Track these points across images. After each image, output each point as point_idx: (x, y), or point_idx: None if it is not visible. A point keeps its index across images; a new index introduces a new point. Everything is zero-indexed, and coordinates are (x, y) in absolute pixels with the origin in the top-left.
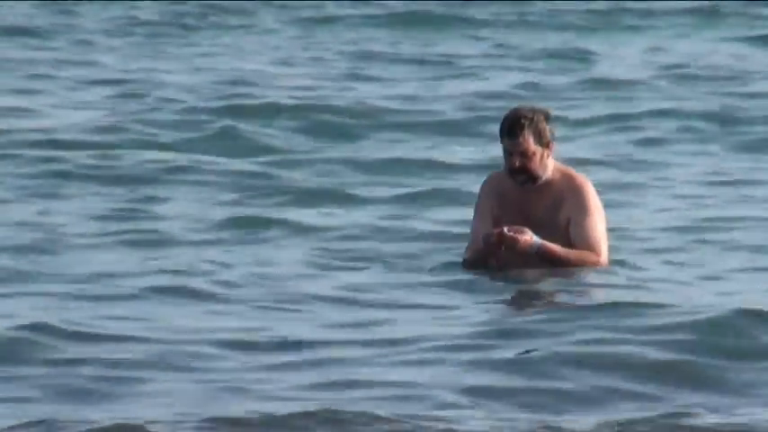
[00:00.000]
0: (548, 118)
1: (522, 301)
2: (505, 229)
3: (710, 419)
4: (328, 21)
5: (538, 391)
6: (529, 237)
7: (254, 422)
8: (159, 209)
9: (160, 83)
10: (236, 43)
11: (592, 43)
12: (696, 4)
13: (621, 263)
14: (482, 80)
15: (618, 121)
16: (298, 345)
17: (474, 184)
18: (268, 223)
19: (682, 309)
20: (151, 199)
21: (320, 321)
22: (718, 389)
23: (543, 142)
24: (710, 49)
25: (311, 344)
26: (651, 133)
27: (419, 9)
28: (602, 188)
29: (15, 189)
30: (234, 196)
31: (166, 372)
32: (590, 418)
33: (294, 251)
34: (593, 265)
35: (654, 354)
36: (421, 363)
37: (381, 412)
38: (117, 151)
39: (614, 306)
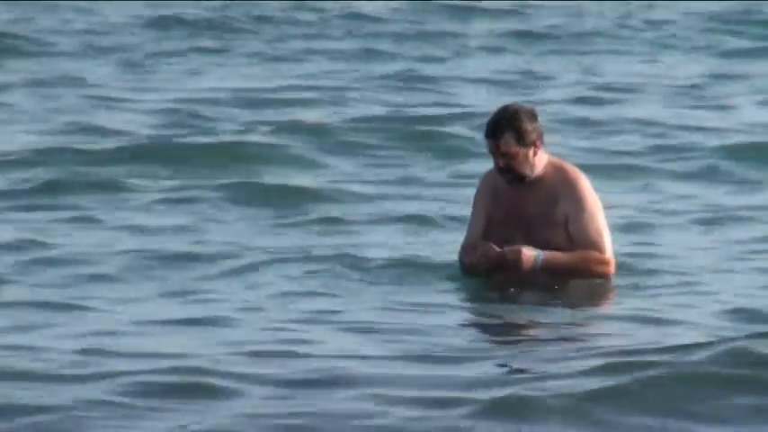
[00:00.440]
0: (533, 117)
1: (511, 319)
2: (506, 249)
3: None
4: None
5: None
6: (531, 254)
7: None
8: None
9: None
10: None
11: None
12: None
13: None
14: None
15: None
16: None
17: None
18: None
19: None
20: None
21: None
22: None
23: (526, 142)
24: None
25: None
26: None
27: None
28: None
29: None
30: None
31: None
32: None
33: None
34: (599, 264)
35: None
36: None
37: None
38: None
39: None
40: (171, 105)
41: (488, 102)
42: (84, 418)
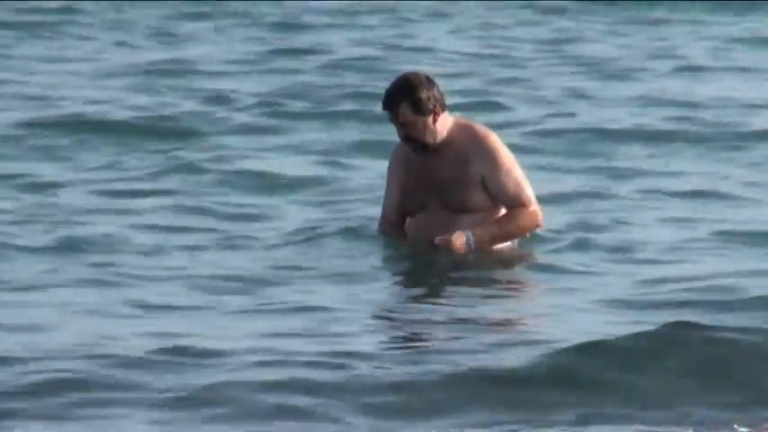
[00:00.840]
0: (429, 84)
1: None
2: (436, 240)
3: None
4: None
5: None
6: (461, 240)
7: None
8: None
9: None
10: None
11: None
12: None
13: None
14: None
15: None
16: None
17: None
18: None
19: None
20: None
21: None
22: None
23: (423, 111)
24: None
25: None
26: None
27: None
28: None
29: None
30: None
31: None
32: None
33: None
34: (527, 219)
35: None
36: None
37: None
38: None
39: None
40: None
41: None
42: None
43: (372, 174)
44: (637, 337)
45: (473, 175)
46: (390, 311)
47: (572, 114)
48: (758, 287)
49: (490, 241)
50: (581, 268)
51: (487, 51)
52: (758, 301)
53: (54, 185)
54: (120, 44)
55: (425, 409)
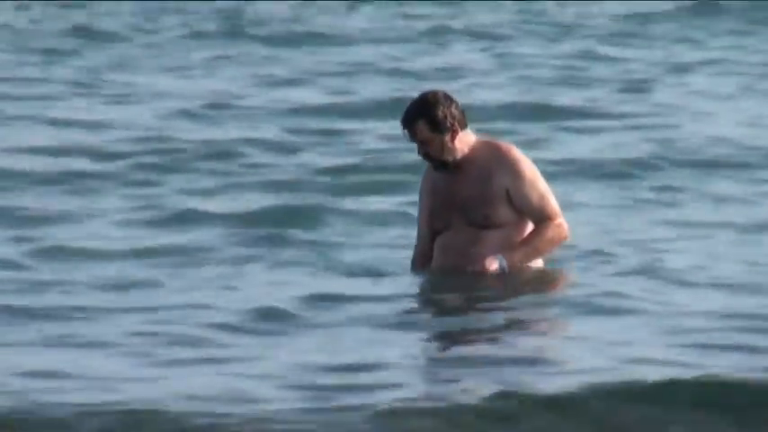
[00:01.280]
0: (448, 102)
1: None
2: (468, 270)
3: None
4: None
5: None
6: (494, 264)
7: None
8: None
9: None
10: None
11: None
12: None
13: None
14: None
15: None
16: None
17: None
18: None
19: None
20: None
21: None
22: None
23: (441, 129)
24: None
25: None
26: None
27: None
28: None
29: None
30: None
31: None
32: None
33: None
34: (554, 233)
35: None
36: None
37: None
38: None
39: None
40: None
41: None
42: None
43: None
44: (670, 384)
45: (496, 189)
46: (421, 336)
47: None
48: None
49: (522, 259)
50: (631, 293)
51: None
52: None
53: None
54: None
55: None
